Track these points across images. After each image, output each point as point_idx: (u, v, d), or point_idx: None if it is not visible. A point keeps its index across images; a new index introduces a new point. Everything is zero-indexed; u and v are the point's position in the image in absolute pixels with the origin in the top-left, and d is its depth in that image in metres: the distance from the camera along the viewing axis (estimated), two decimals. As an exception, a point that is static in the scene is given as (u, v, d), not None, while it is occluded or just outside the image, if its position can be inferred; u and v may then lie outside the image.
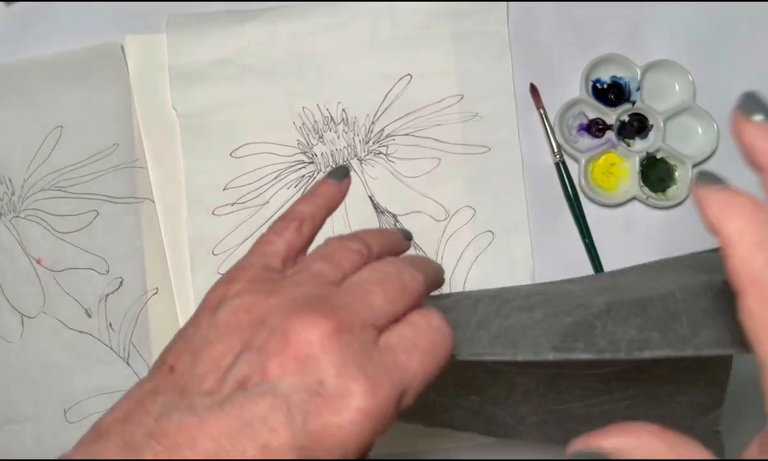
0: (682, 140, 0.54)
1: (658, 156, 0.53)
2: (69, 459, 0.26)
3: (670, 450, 0.23)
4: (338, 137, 0.53)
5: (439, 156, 0.53)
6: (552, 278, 0.51)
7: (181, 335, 0.29)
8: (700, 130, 0.54)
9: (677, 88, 0.54)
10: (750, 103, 0.25)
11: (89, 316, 0.51)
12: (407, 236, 0.36)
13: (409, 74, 0.54)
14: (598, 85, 0.54)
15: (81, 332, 0.50)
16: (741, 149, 0.25)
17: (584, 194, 0.53)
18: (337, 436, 0.25)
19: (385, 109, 0.53)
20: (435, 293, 0.36)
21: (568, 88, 0.54)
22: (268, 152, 0.53)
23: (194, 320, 0.29)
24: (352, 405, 0.25)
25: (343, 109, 0.53)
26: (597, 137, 0.54)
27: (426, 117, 0.53)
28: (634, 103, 0.54)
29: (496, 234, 0.52)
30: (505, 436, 0.47)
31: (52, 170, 0.52)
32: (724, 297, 0.31)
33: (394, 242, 0.35)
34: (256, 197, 0.52)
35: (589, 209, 0.53)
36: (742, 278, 0.23)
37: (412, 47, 0.54)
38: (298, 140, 0.53)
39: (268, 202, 0.52)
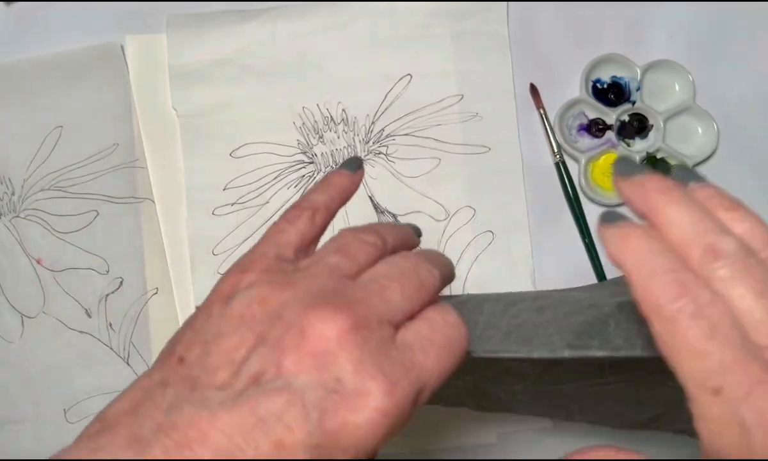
0: (682, 140, 0.54)
1: (658, 156, 0.53)
2: (70, 459, 0.24)
3: None
4: (338, 137, 0.53)
5: (439, 156, 0.53)
6: (552, 278, 0.52)
7: (191, 324, 0.28)
8: (700, 130, 0.54)
9: (677, 88, 0.54)
10: (623, 166, 0.28)
11: (89, 316, 0.51)
12: (418, 233, 0.36)
13: (409, 74, 0.54)
14: (598, 85, 0.54)
15: (81, 332, 0.50)
16: (625, 203, 0.27)
17: (584, 194, 0.53)
18: (353, 435, 0.25)
19: (385, 110, 0.53)
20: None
21: (568, 88, 0.54)
22: (268, 152, 0.53)
23: (205, 310, 0.28)
24: (370, 404, 0.25)
25: (343, 109, 0.53)
26: (597, 137, 0.54)
27: (426, 117, 0.53)
28: (634, 103, 0.54)
29: (496, 234, 0.52)
30: (496, 410, 0.47)
31: (52, 170, 0.52)
32: None
33: (407, 237, 0.34)
34: (256, 197, 0.52)
35: (589, 209, 0.53)
36: (644, 307, 0.25)
37: (412, 47, 0.54)
38: (298, 140, 0.53)
39: (268, 202, 0.52)
